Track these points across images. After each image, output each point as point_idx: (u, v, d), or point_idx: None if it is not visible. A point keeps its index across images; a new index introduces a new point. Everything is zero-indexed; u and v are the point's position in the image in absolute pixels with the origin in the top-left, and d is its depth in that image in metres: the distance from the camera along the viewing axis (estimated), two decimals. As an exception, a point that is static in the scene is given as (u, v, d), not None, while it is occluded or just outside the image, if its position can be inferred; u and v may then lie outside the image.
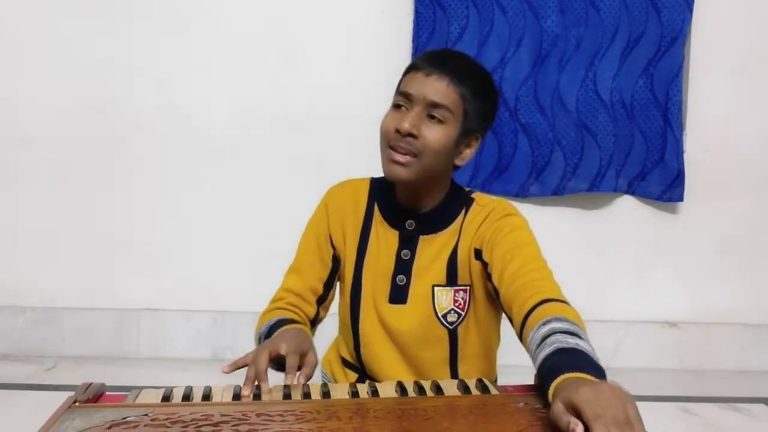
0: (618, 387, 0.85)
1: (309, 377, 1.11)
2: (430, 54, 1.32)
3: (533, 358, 1.05)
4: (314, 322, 1.40)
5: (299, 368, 1.10)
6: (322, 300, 1.40)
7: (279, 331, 1.26)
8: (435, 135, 1.23)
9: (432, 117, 1.23)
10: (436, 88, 1.23)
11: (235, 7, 2.82)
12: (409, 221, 1.33)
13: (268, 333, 1.28)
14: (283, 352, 1.11)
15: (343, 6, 2.83)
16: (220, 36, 2.84)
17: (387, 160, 1.25)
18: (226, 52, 2.84)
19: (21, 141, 2.87)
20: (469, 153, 1.30)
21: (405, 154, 1.23)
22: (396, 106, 1.26)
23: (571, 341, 1.00)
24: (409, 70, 1.29)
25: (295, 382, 1.06)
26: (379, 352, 1.34)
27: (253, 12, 2.83)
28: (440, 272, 1.31)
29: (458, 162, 1.30)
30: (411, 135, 1.22)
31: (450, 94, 1.23)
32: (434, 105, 1.23)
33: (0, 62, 2.85)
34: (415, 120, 1.22)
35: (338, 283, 1.43)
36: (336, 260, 1.39)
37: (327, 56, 2.85)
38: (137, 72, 2.85)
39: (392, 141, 1.24)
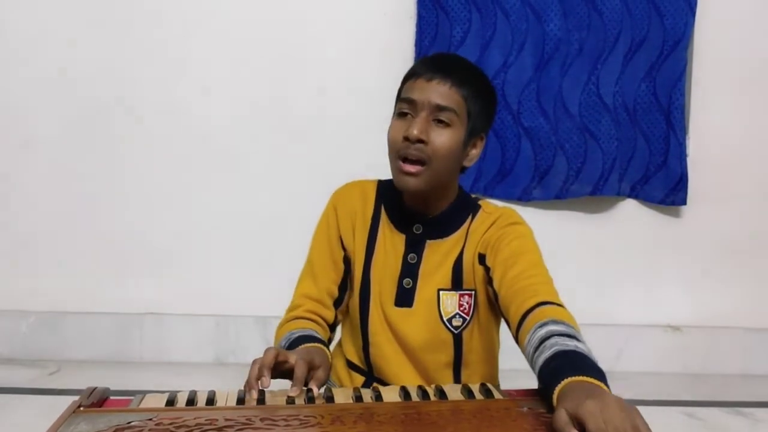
0: (623, 401, 0.86)
1: (318, 387, 1.10)
2: (428, 60, 1.34)
3: (532, 360, 1.06)
4: (333, 326, 1.40)
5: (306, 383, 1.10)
6: (339, 303, 1.40)
7: (299, 347, 1.24)
8: (443, 139, 1.24)
9: (439, 121, 1.24)
10: (440, 91, 1.24)
11: (237, 9, 2.83)
12: (416, 225, 1.34)
13: (288, 348, 1.27)
14: (292, 360, 1.11)
15: (345, 9, 2.84)
16: (222, 38, 2.84)
17: (398, 172, 1.26)
18: (228, 55, 2.85)
19: (23, 144, 2.87)
20: (475, 154, 1.32)
21: (415, 161, 1.24)
22: (400, 114, 1.27)
23: (570, 344, 1.01)
24: (408, 78, 1.30)
25: (297, 393, 1.06)
26: (387, 353, 1.34)
27: (255, 14, 2.83)
28: (446, 276, 1.31)
29: (466, 163, 1.32)
30: (420, 141, 1.23)
31: (453, 96, 1.25)
32: (439, 108, 1.24)
33: (1, 65, 2.86)
34: (422, 125, 1.23)
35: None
36: (347, 262, 1.39)
37: (329, 59, 2.85)
38: (139, 74, 2.85)
39: (402, 150, 1.25)
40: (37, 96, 2.86)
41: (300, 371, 1.09)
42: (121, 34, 2.84)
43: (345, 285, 1.40)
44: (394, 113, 1.31)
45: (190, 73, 2.86)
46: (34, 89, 2.86)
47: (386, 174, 1.34)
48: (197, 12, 2.84)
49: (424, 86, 1.25)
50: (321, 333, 1.34)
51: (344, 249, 1.39)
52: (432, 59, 1.34)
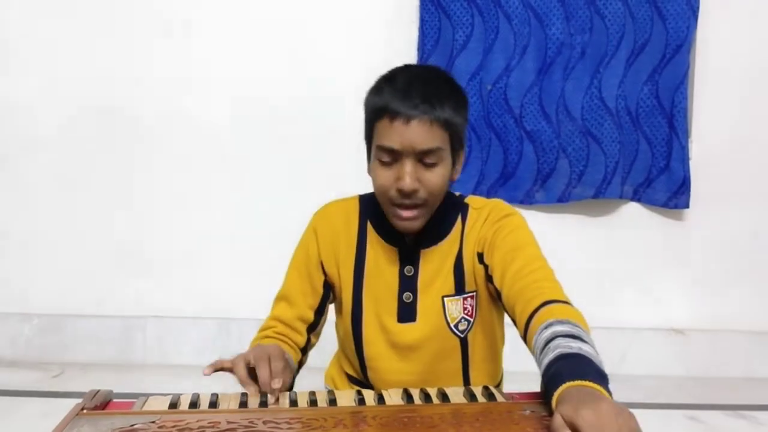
0: (622, 407, 0.85)
1: (286, 384, 1.10)
2: (398, 90, 1.19)
3: (537, 363, 1.05)
4: (305, 349, 1.37)
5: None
6: (313, 327, 1.37)
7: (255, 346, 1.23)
8: (434, 179, 1.20)
9: (427, 163, 1.19)
10: (422, 134, 1.16)
11: (239, 16, 2.84)
12: (408, 236, 1.30)
13: None
14: (252, 362, 1.10)
15: (347, 13, 2.85)
16: (223, 42, 2.85)
17: (395, 217, 1.23)
18: (229, 60, 2.86)
19: (26, 146, 2.89)
20: (459, 165, 1.28)
21: (412, 208, 1.21)
22: (383, 162, 1.20)
23: (573, 345, 0.99)
24: (380, 115, 1.19)
25: (277, 386, 1.06)
26: (387, 374, 1.32)
27: (257, 20, 2.84)
28: (448, 282, 1.29)
29: (453, 178, 1.28)
30: (414, 190, 1.19)
31: (436, 133, 1.17)
32: (425, 152, 1.17)
33: (3, 67, 2.87)
34: (413, 175, 1.18)
35: (333, 307, 1.40)
36: (327, 287, 1.35)
37: (331, 63, 2.86)
38: (139, 76, 2.86)
39: (395, 199, 1.20)
40: (39, 98, 2.87)
41: (263, 375, 1.08)
42: (122, 36, 2.85)
43: (322, 310, 1.37)
44: (371, 153, 1.25)
45: (190, 75, 2.87)
46: (36, 92, 2.87)
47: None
48: (198, 14, 2.85)
49: (403, 131, 1.16)
50: (291, 353, 1.31)
51: (325, 274, 1.34)
52: (401, 89, 1.19)
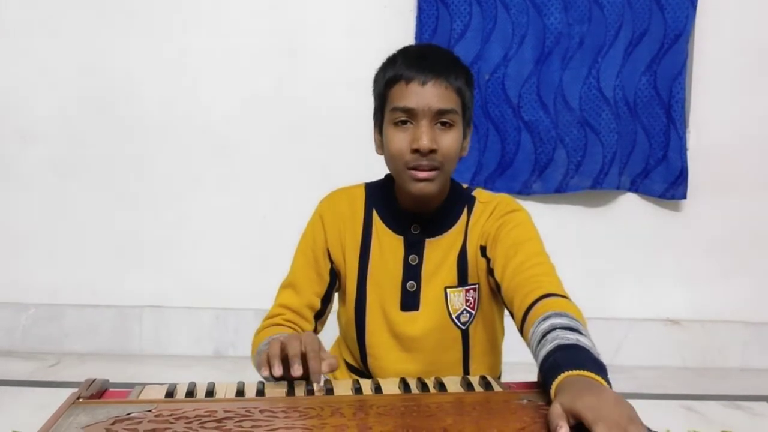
0: (621, 397, 0.85)
1: (334, 368, 1.08)
2: (411, 58, 1.24)
3: (534, 354, 1.05)
4: None
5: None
6: (320, 315, 1.37)
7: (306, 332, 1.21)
8: (449, 142, 1.21)
9: (442, 123, 1.21)
10: (437, 94, 1.20)
11: (237, 5, 2.82)
12: (414, 225, 1.30)
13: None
14: (305, 349, 1.06)
15: (345, 1, 2.84)
16: (222, 34, 2.84)
17: (411, 180, 1.22)
18: (228, 50, 2.84)
19: (24, 138, 2.87)
20: (467, 143, 1.30)
21: (428, 170, 1.21)
22: (399, 124, 1.22)
23: (571, 337, 0.99)
24: (394, 82, 1.23)
25: (321, 384, 1.04)
26: (387, 362, 1.32)
27: (255, 10, 2.83)
28: (451, 273, 1.29)
29: (462, 154, 1.29)
30: (432, 151, 1.19)
31: (451, 96, 1.21)
32: (441, 112, 1.20)
33: (2, 60, 2.85)
34: (430, 134, 1.19)
35: (337, 295, 1.40)
36: (333, 274, 1.36)
37: (329, 53, 2.84)
38: (139, 70, 2.85)
39: (412, 161, 1.21)
40: (36, 90, 2.86)
41: (316, 364, 1.05)
42: (121, 27, 2.83)
43: (328, 297, 1.37)
44: (384, 121, 1.26)
45: (189, 66, 2.86)
46: (33, 83, 2.85)
47: (386, 168, 1.33)
48: (196, 4, 2.83)
49: (420, 91, 1.20)
50: None
51: (331, 261, 1.34)
52: (415, 57, 1.25)
